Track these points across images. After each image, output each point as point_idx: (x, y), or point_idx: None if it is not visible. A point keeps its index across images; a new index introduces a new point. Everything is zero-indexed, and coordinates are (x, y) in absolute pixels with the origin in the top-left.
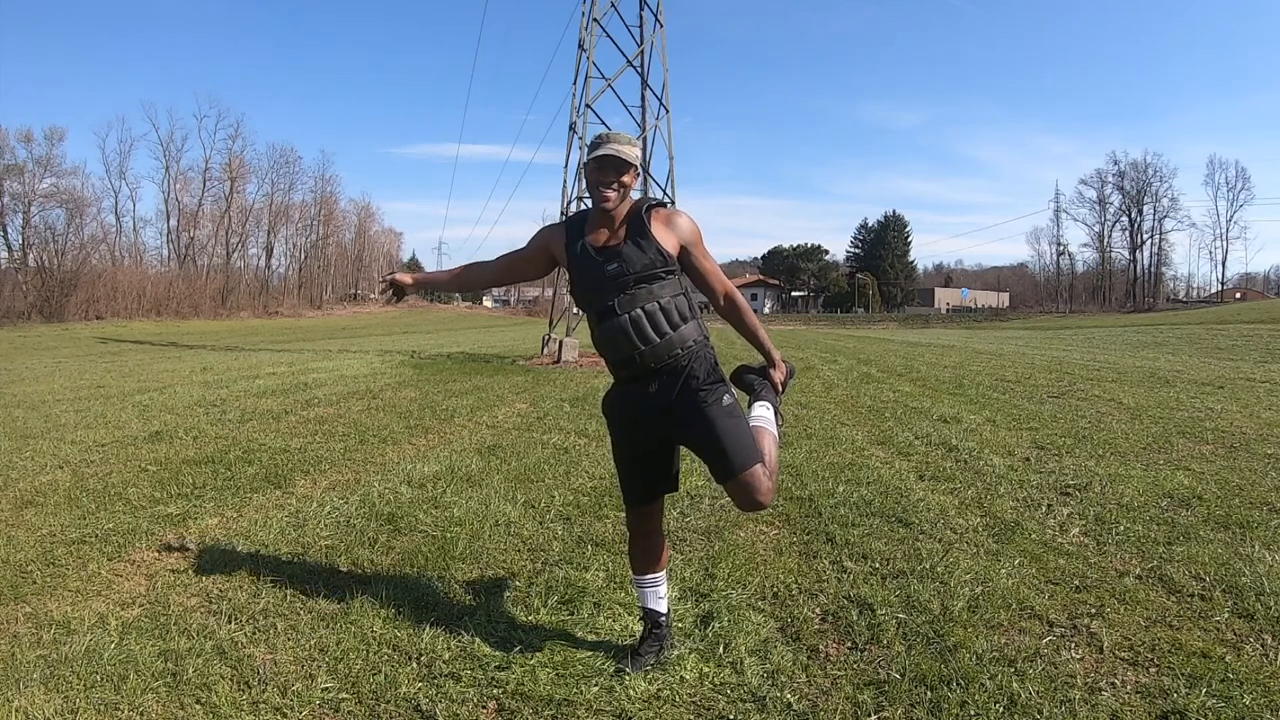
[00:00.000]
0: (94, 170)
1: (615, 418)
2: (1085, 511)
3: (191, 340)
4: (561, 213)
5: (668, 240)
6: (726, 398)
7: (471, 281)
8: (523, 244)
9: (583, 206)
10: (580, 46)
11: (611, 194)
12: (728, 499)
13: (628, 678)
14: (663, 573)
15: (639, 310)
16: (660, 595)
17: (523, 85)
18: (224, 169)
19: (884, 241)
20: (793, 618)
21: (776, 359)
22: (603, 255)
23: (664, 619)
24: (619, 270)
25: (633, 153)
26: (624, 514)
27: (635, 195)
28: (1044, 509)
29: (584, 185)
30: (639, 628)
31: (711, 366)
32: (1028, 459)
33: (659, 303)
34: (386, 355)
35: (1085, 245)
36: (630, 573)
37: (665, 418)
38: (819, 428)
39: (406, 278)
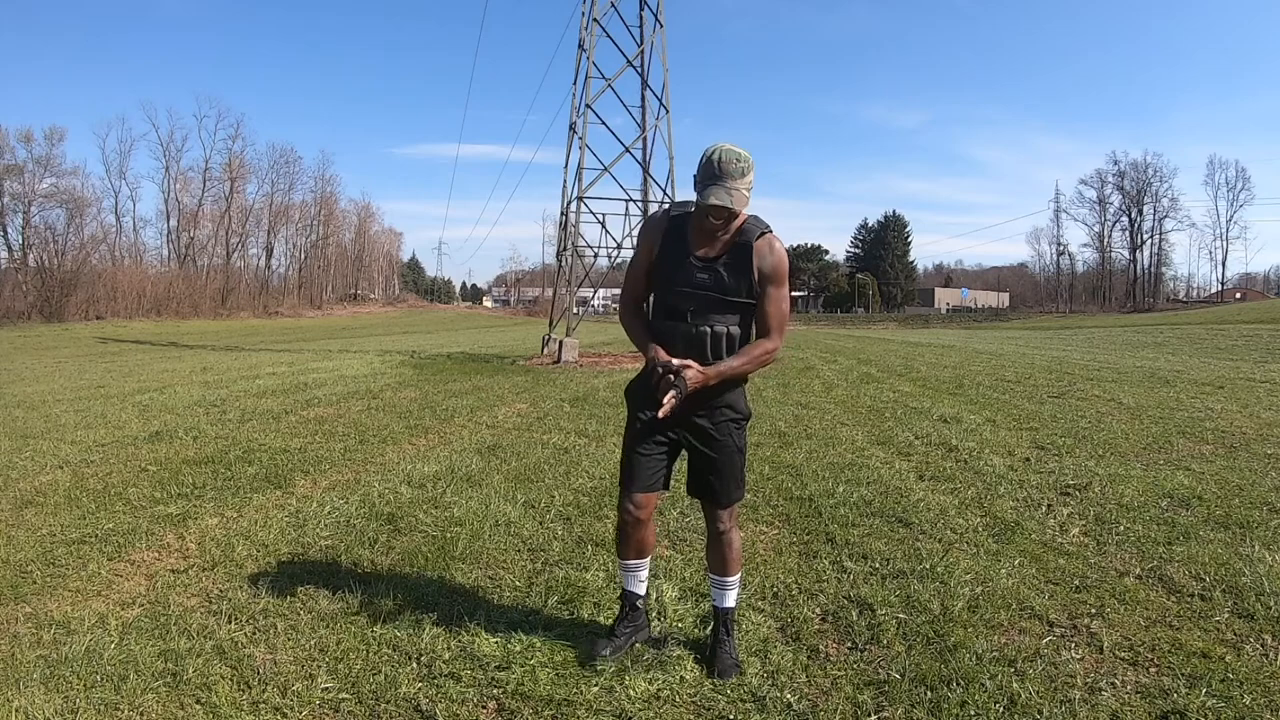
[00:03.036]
0: (94, 170)
1: (644, 402)
2: (1085, 511)
3: (191, 340)
4: (562, 212)
5: (759, 273)
6: (744, 435)
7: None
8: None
9: (584, 206)
10: (580, 47)
11: (721, 224)
12: None
13: (628, 677)
14: (649, 559)
15: (707, 328)
16: (642, 579)
17: (523, 85)
18: (224, 169)
19: (884, 241)
20: (793, 618)
21: (709, 374)
22: (698, 261)
23: (642, 601)
24: (706, 282)
25: (747, 186)
26: (621, 500)
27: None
28: (1044, 509)
29: (585, 185)
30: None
31: (744, 400)
32: (1028, 459)
33: (728, 329)
34: (386, 355)
35: (1085, 245)
36: (617, 558)
37: (692, 423)
38: (819, 428)
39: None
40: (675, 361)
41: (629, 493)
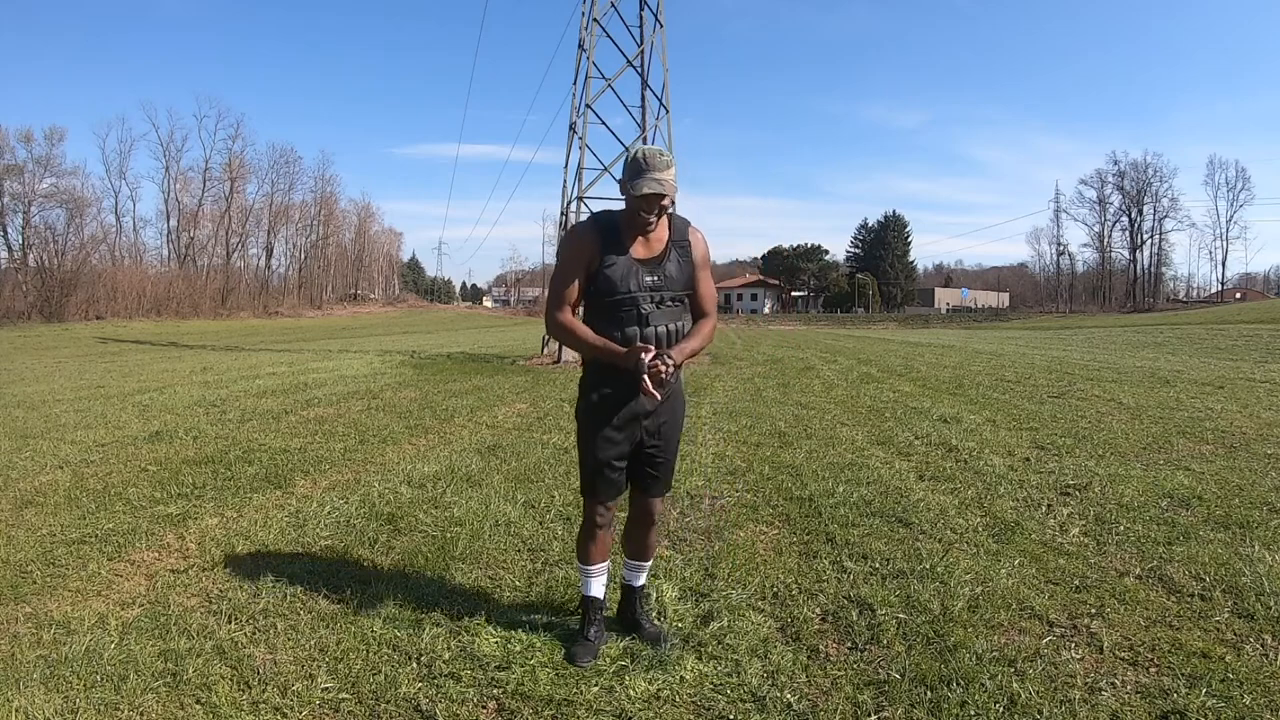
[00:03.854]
0: (94, 170)
1: (611, 415)
2: (1085, 511)
3: (191, 340)
4: (562, 212)
5: (695, 263)
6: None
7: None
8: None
9: (584, 206)
10: (580, 47)
11: (654, 219)
12: (727, 499)
13: (628, 677)
14: (609, 562)
15: (666, 327)
16: (605, 583)
17: (523, 85)
18: (224, 169)
19: (884, 241)
20: (793, 618)
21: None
22: (643, 265)
23: (604, 604)
24: (657, 284)
25: (674, 178)
26: (590, 509)
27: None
28: (1044, 509)
29: (585, 185)
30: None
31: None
32: (1028, 459)
33: (681, 323)
34: (386, 355)
35: (1085, 245)
36: (579, 563)
37: (652, 420)
38: (819, 428)
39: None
40: (652, 352)
41: (600, 502)
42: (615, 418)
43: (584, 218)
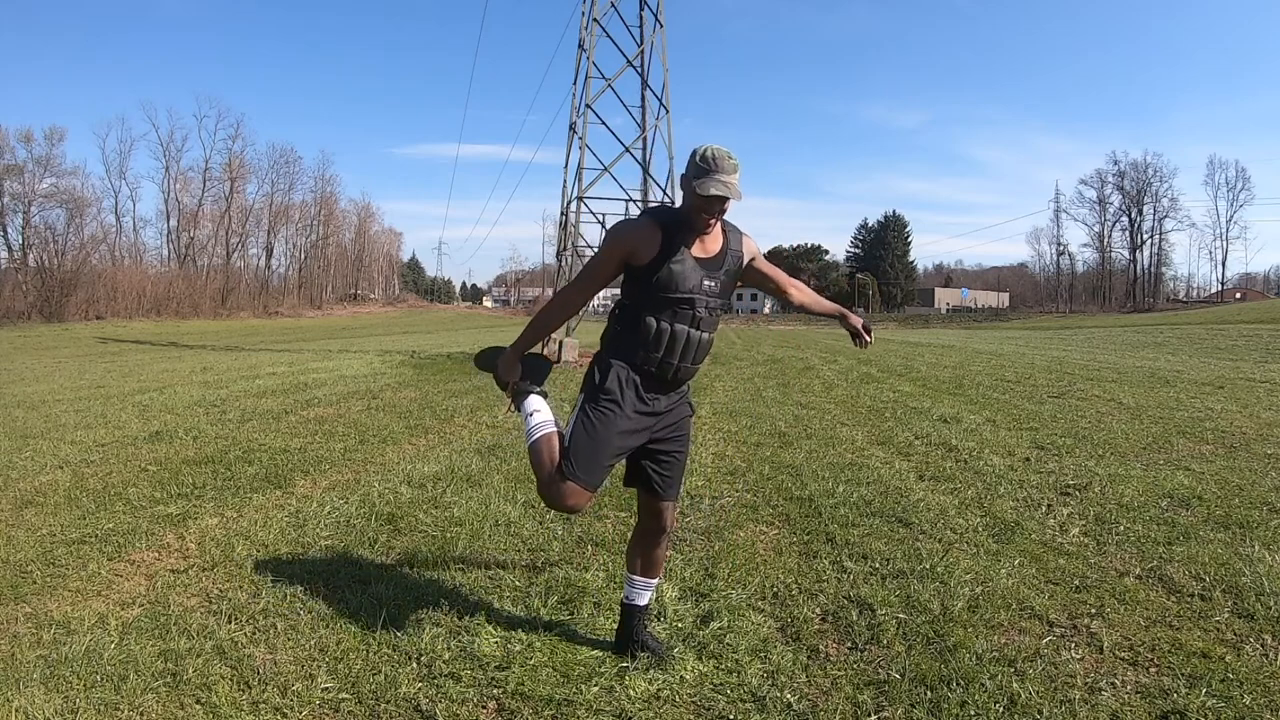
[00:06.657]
0: (94, 170)
1: (628, 400)
2: (1085, 511)
3: (191, 340)
4: (562, 212)
5: (748, 264)
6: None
7: (565, 317)
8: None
9: (584, 206)
10: (580, 46)
11: (713, 221)
12: (727, 499)
13: (628, 677)
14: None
15: (707, 335)
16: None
17: (523, 85)
18: (224, 169)
19: (884, 241)
20: (793, 618)
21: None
22: (703, 267)
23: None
24: (713, 289)
25: (739, 181)
26: (571, 492)
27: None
28: (1044, 509)
29: (585, 185)
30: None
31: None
32: (1028, 459)
33: (713, 334)
34: (386, 355)
35: (1085, 245)
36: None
37: (658, 421)
38: (819, 428)
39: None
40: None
41: (587, 485)
42: (636, 405)
43: (584, 217)
